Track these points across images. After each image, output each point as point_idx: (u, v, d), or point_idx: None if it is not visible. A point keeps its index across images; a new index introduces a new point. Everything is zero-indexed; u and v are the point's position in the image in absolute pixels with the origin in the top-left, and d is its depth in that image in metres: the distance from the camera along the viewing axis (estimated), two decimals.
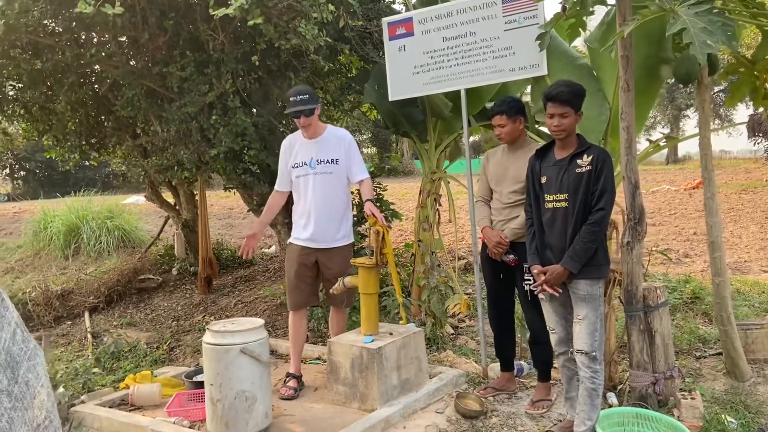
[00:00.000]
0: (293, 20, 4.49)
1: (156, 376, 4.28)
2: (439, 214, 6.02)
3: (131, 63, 5.90)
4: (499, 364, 4.13)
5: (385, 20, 4.47)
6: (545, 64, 3.89)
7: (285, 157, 4.11)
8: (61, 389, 3.93)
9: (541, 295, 3.30)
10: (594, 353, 3.17)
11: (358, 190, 4.33)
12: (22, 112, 6.93)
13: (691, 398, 3.49)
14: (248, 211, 7.34)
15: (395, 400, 3.68)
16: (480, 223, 3.94)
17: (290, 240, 4.13)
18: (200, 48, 5.52)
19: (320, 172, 3.98)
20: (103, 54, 5.72)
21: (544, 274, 3.22)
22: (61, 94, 6.20)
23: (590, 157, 3.18)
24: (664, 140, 3.83)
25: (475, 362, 4.46)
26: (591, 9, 3.60)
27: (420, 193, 5.91)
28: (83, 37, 5.55)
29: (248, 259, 4.65)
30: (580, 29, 3.89)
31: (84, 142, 7.12)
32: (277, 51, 5.31)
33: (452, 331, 5.32)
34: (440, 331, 5.12)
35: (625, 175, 3.49)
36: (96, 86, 6.33)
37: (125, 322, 7.23)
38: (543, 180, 3.33)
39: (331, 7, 4.49)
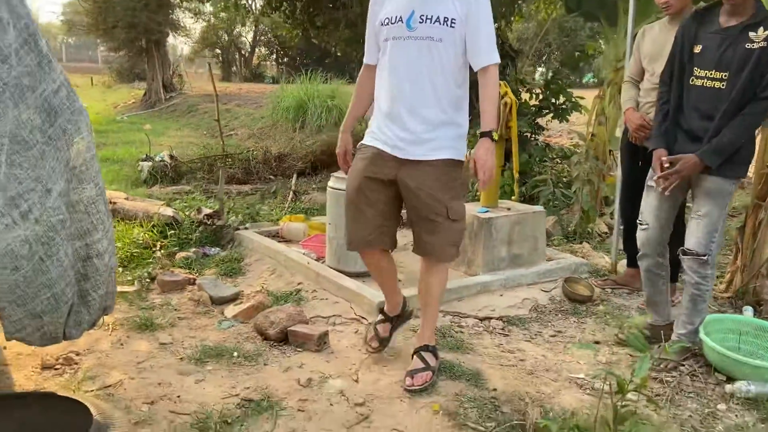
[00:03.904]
0: None
1: (309, 220, 4.89)
2: None
3: None
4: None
5: None
6: None
7: (375, 7, 2.68)
8: (233, 217, 4.74)
9: (651, 182, 2.92)
10: (706, 257, 2.79)
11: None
12: None
13: None
14: None
15: (500, 271, 3.75)
16: (625, 104, 3.64)
17: (364, 141, 2.72)
18: None
19: (422, 36, 2.51)
20: None
21: (671, 164, 2.78)
22: None
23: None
24: None
25: (610, 258, 4.26)
26: None
27: (601, 84, 5.51)
28: None
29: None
30: None
31: (305, 18, 7.81)
32: None
33: (606, 230, 5.06)
34: (589, 226, 4.92)
35: None
36: None
37: (320, 186, 8.11)
38: (696, 50, 2.78)
39: None
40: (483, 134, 2.55)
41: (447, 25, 2.52)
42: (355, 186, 2.65)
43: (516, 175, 3.88)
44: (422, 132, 2.55)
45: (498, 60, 2.58)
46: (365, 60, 2.79)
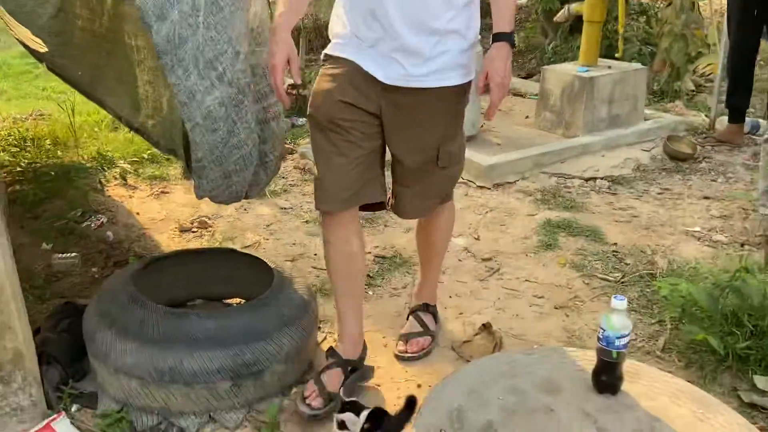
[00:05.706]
0: None
1: None
2: None
3: None
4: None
5: None
6: None
7: None
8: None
9: None
10: None
11: None
12: None
13: None
14: None
15: (600, 132, 3.72)
16: None
17: (328, 51, 1.79)
18: None
19: None
20: None
21: None
22: None
23: None
24: None
25: (706, 116, 4.17)
26: None
27: None
28: None
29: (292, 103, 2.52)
30: None
31: None
32: None
33: (693, 88, 4.91)
34: (677, 84, 4.77)
35: None
36: None
37: None
38: None
39: None
40: (498, 37, 1.66)
41: None
42: (325, 118, 1.74)
43: (621, 30, 3.72)
44: (423, 46, 1.66)
45: None
46: None
